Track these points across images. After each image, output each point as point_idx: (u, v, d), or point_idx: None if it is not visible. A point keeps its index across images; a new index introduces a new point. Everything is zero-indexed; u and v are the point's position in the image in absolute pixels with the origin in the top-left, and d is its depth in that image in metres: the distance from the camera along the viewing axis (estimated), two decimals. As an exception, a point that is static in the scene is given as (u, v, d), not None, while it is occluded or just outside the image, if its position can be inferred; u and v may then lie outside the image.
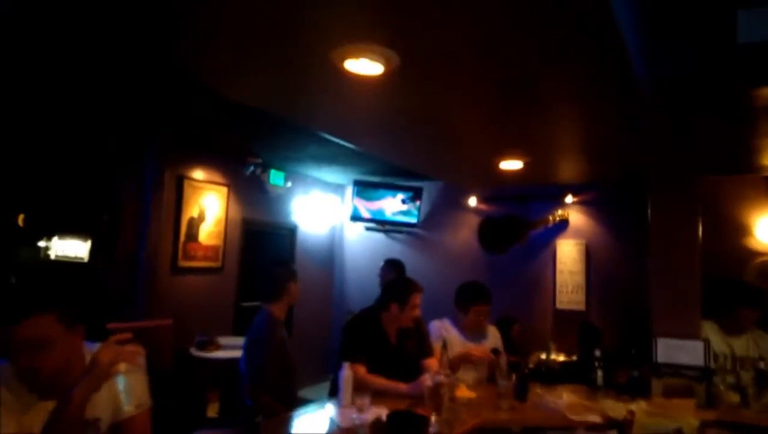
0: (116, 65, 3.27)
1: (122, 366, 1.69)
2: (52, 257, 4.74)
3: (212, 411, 4.76)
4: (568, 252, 6.23)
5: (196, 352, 4.94)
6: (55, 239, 4.82)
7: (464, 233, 6.87)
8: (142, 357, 1.75)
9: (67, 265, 4.80)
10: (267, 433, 2.20)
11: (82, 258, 4.86)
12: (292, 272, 3.18)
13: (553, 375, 4.07)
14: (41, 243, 4.76)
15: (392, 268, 5.14)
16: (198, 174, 5.49)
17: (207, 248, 5.56)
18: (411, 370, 3.06)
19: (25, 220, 4.55)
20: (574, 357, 5.32)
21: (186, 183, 5.31)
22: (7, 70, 3.23)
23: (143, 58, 2.90)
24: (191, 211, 5.38)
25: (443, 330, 3.45)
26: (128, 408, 1.79)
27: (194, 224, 5.42)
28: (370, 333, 3.14)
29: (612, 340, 5.33)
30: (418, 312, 3.22)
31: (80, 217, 4.95)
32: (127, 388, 1.80)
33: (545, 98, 3.01)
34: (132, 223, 5.01)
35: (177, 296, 5.25)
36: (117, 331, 1.77)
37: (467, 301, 3.48)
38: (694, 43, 2.22)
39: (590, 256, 6.13)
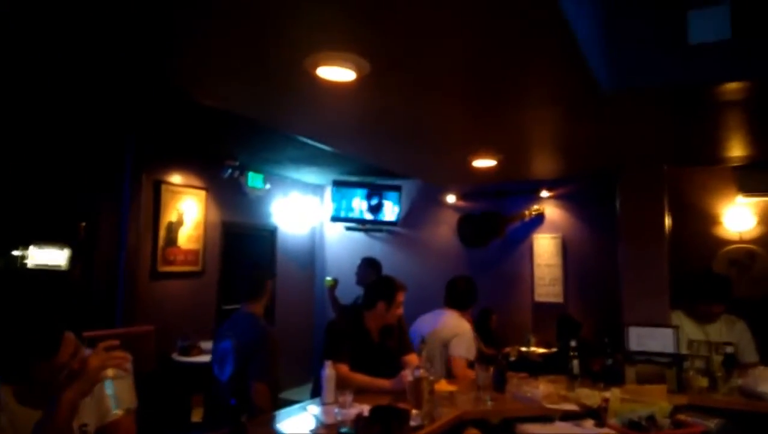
0: (92, 71, 3.27)
1: (110, 371, 1.74)
2: (30, 266, 4.68)
3: (197, 416, 4.75)
4: (545, 246, 6.35)
5: (178, 357, 4.94)
6: (32, 248, 4.76)
7: (443, 230, 6.95)
8: (129, 362, 1.79)
9: (48, 274, 4.75)
10: (253, 432, 2.24)
11: (60, 267, 4.81)
12: (269, 272, 3.27)
13: (533, 367, 4.18)
14: (17, 252, 4.69)
15: (369, 267, 5.21)
16: (175, 178, 5.47)
17: (187, 252, 5.54)
18: (392, 367, 3.12)
19: (-1, 230, 4.48)
20: (554, 349, 5.44)
21: (163, 188, 5.29)
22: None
23: (119, 64, 2.91)
24: (169, 216, 5.36)
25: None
26: (116, 412, 1.86)
27: (173, 229, 5.40)
28: (353, 331, 3.19)
29: (590, 331, 5.45)
30: (401, 310, 3.30)
31: (57, 225, 4.90)
32: (115, 393, 1.86)
33: (513, 102, 3.10)
34: (110, 230, 4.98)
35: (158, 302, 5.23)
36: (100, 339, 1.82)
37: (475, 299, 3.90)
38: (650, 46, 2.32)
39: (566, 249, 6.25)
